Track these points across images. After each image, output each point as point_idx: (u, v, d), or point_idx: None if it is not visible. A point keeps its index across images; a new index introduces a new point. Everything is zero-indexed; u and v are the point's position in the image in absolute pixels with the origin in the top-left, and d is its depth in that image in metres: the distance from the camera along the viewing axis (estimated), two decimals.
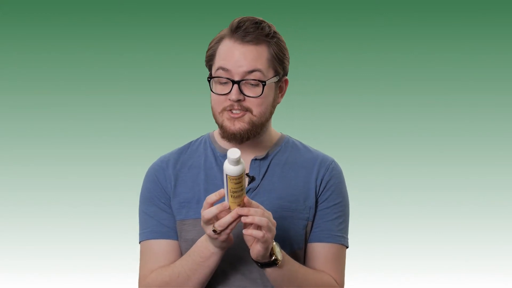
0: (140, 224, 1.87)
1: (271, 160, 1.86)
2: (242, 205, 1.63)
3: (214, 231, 1.63)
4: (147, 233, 1.84)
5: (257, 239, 1.64)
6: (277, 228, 1.69)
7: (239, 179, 1.60)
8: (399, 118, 3.56)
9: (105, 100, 3.51)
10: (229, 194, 1.62)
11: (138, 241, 1.90)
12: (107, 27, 3.52)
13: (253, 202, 1.65)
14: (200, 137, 1.93)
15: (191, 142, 1.93)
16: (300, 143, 1.93)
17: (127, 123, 3.50)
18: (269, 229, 1.63)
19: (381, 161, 3.53)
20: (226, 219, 1.61)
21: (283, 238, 1.76)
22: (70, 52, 3.51)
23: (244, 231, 1.64)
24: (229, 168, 1.60)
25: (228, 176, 1.60)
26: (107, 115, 3.51)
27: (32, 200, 3.45)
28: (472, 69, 3.58)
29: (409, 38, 3.57)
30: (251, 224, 1.63)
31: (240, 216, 1.62)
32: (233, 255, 1.77)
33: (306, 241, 1.85)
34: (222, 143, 1.86)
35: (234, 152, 1.59)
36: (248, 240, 1.67)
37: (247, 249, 1.73)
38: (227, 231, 1.63)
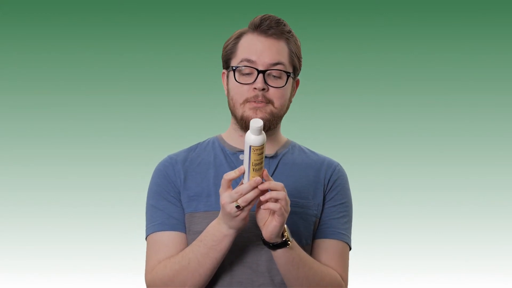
0: (148, 218, 1.89)
1: (280, 159, 1.90)
2: (261, 178, 1.66)
3: (238, 207, 1.65)
4: (156, 225, 1.86)
5: (272, 214, 1.67)
6: (288, 223, 1.72)
7: (261, 149, 1.64)
8: (399, 118, 3.57)
9: (105, 100, 3.51)
10: (251, 167, 1.65)
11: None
12: (107, 27, 3.52)
13: (270, 177, 1.69)
14: (206, 139, 1.97)
15: (199, 143, 1.97)
16: (306, 147, 1.98)
17: (127, 123, 3.50)
18: (286, 202, 1.66)
19: (381, 161, 3.53)
20: (250, 194, 1.64)
21: (293, 232, 1.78)
22: (70, 52, 3.52)
23: (262, 206, 1.67)
24: (252, 138, 1.63)
25: (252, 147, 1.63)
26: (107, 115, 3.51)
27: (32, 200, 3.45)
28: (472, 69, 3.59)
29: (409, 38, 3.57)
30: (266, 201, 1.67)
31: (262, 190, 1.65)
32: (241, 248, 1.80)
33: (313, 237, 1.88)
34: (231, 142, 1.90)
35: (257, 122, 1.63)
36: (262, 219, 1.70)
37: (255, 242, 1.77)
38: (249, 206, 1.66)
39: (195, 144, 1.96)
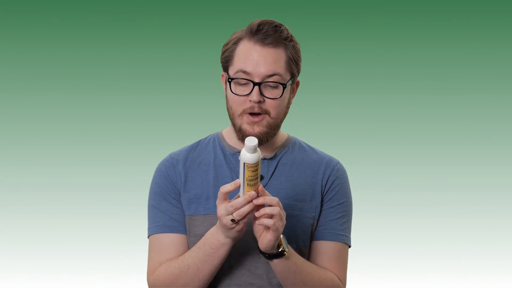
0: (150, 218, 1.91)
1: (279, 160, 1.90)
2: (256, 193, 1.67)
3: (233, 220, 1.67)
4: (157, 227, 1.88)
5: (267, 228, 1.69)
6: (285, 226, 1.73)
7: (255, 166, 1.65)
8: (399, 118, 3.57)
9: (106, 100, 3.52)
10: (246, 182, 1.66)
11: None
12: (107, 27, 3.52)
13: (266, 191, 1.70)
14: (208, 136, 1.97)
15: (200, 140, 1.97)
16: (306, 144, 1.98)
17: (128, 123, 3.50)
18: (280, 217, 1.68)
19: (381, 161, 3.53)
20: (245, 208, 1.66)
21: (290, 235, 1.80)
22: (70, 52, 3.52)
23: (257, 222, 1.69)
24: (247, 156, 1.65)
25: (246, 165, 1.65)
26: (108, 115, 3.51)
27: (32, 200, 3.45)
28: (472, 69, 3.59)
29: (409, 38, 3.57)
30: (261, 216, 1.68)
31: (257, 205, 1.67)
32: (240, 251, 1.82)
33: (311, 239, 1.89)
34: (231, 142, 1.91)
35: (251, 140, 1.64)
36: (258, 231, 1.71)
37: (253, 245, 1.78)
38: (245, 220, 1.68)
39: (197, 142, 1.97)
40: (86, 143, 3.49)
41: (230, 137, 1.91)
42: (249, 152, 1.64)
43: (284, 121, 1.91)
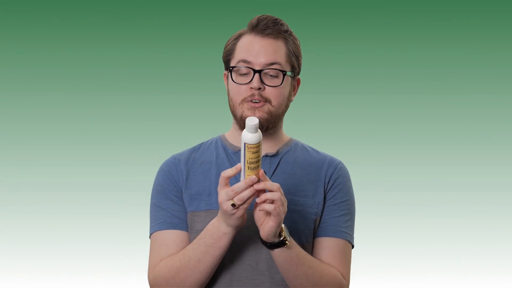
0: (152, 216, 1.92)
1: (281, 157, 1.91)
2: (257, 178, 1.67)
3: (233, 205, 1.67)
4: (159, 224, 1.89)
5: (269, 215, 1.68)
6: (287, 222, 1.74)
7: (256, 148, 1.65)
8: (399, 118, 3.57)
9: (106, 100, 3.51)
10: (246, 165, 1.66)
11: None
12: (107, 27, 3.52)
13: (266, 177, 1.70)
14: (210, 139, 1.99)
15: (202, 143, 1.99)
16: (309, 146, 1.99)
17: (127, 123, 3.50)
18: (281, 203, 1.68)
19: (381, 161, 3.53)
20: (245, 193, 1.66)
21: (292, 231, 1.81)
22: (70, 52, 3.52)
23: (258, 208, 1.69)
24: (248, 136, 1.64)
25: (246, 145, 1.64)
26: (108, 115, 3.51)
27: (32, 200, 3.45)
28: (472, 69, 3.59)
29: (409, 38, 3.57)
30: (262, 202, 1.68)
31: (258, 190, 1.67)
32: (241, 246, 1.82)
33: (314, 236, 1.89)
34: (233, 141, 1.92)
35: (252, 120, 1.64)
36: (259, 219, 1.71)
37: (255, 241, 1.79)
38: (245, 205, 1.68)
39: (199, 144, 1.99)
40: (86, 143, 3.49)
41: (232, 137, 1.93)
42: (250, 132, 1.64)
43: (284, 121, 1.93)
